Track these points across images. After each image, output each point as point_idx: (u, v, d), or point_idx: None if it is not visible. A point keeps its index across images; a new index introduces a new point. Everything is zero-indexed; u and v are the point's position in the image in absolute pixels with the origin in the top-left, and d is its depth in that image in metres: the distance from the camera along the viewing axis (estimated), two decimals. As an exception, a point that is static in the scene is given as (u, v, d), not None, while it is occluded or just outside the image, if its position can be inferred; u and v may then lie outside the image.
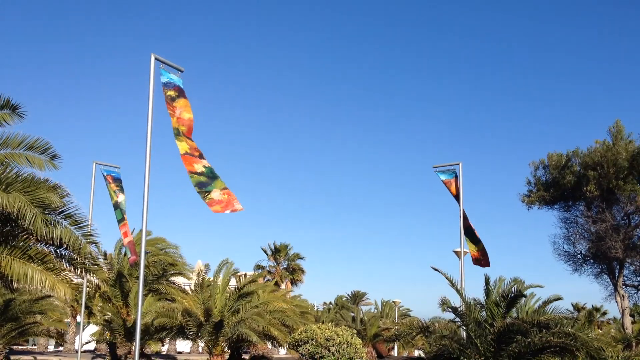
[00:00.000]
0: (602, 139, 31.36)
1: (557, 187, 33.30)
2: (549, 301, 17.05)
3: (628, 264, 33.06)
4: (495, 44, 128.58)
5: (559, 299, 16.64)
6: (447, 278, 16.29)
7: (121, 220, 20.70)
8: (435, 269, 16.42)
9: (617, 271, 32.95)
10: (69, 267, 11.20)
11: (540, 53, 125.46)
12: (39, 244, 10.62)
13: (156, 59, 12.84)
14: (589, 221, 32.90)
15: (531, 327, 14.50)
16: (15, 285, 10.72)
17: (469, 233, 20.39)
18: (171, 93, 12.85)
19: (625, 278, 33.34)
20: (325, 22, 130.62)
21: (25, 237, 10.39)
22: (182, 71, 13.29)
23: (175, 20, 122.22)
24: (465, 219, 20.28)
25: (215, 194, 12.33)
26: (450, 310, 15.98)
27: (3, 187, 9.57)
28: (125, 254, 27.68)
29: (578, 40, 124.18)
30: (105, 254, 27.79)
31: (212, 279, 23.71)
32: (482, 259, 20.39)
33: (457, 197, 20.36)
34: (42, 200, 9.77)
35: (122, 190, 21.16)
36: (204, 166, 12.59)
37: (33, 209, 9.48)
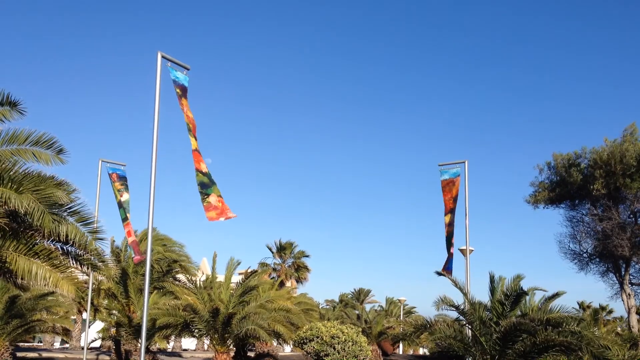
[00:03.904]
0: (611, 138, 31.36)
1: (563, 186, 33.26)
2: (552, 297, 17.05)
3: (634, 262, 33.01)
4: (503, 42, 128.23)
5: (561, 294, 16.68)
6: (451, 280, 16.31)
7: (125, 219, 20.73)
8: (440, 274, 16.45)
9: (623, 269, 32.89)
10: (75, 264, 11.21)
11: (548, 51, 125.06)
12: (46, 241, 10.64)
13: (163, 56, 12.86)
14: (595, 219, 32.84)
15: (537, 326, 14.47)
16: (20, 281, 10.73)
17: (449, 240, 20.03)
18: (178, 91, 12.96)
19: (631, 276, 33.29)
20: (331, 19, 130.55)
21: (31, 233, 10.40)
22: (188, 69, 13.31)
23: (182, 17, 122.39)
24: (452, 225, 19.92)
25: (213, 199, 12.45)
26: (452, 308, 15.97)
27: (15, 186, 9.58)
28: (130, 252, 27.76)
29: (587, 39, 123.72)
30: (116, 249, 27.88)
31: (217, 275, 23.74)
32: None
33: (453, 200, 20.19)
34: (49, 198, 9.78)
35: (126, 188, 21.15)
36: (205, 170, 12.74)
37: (41, 207, 9.49)
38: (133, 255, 22.30)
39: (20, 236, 10.28)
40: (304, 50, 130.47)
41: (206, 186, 12.62)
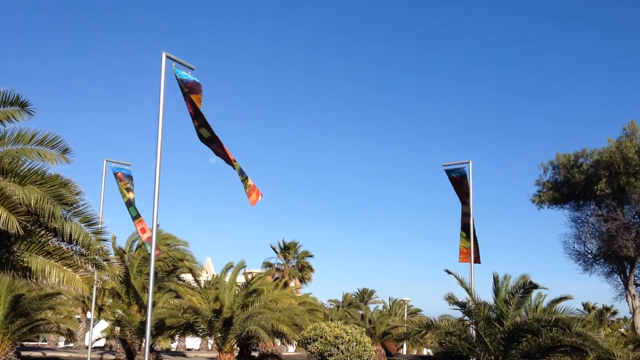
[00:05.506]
0: (614, 138, 31.27)
1: (567, 186, 33.18)
2: (557, 300, 17.01)
3: (639, 263, 32.89)
4: (503, 42, 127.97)
5: (568, 298, 16.61)
6: (457, 279, 16.31)
7: (137, 217, 20.70)
8: (449, 272, 16.45)
9: (628, 270, 32.79)
10: (81, 263, 11.24)
11: (548, 51, 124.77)
12: (54, 239, 10.65)
13: (167, 56, 12.86)
14: (600, 220, 32.74)
15: (542, 327, 14.44)
16: (32, 280, 10.78)
17: (466, 229, 20.38)
18: (186, 89, 12.93)
19: (636, 277, 33.19)
20: (331, 19, 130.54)
21: (40, 232, 10.42)
22: (192, 69, 13.32)
23: (184, 17, 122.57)
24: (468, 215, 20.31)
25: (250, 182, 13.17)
26: (457, 306, 15.96)
27: (18, 180, 9.59)
28: (139, 249, 27.81)
29: (587, 39, 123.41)
30: (120, 250, 27.90)
31: (220, 276, 23.78)
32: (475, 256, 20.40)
33: (465, 195, 20.27)
34: (57, 194, 9.80)
35: (133, 187, 21.17)
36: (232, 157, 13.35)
37: (51, 200, 9.50)
38: (149, 251, 22.24)
39: (32, 235, 10.31)
40: (304, 50, 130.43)
41: (242, 172, 13.13)
